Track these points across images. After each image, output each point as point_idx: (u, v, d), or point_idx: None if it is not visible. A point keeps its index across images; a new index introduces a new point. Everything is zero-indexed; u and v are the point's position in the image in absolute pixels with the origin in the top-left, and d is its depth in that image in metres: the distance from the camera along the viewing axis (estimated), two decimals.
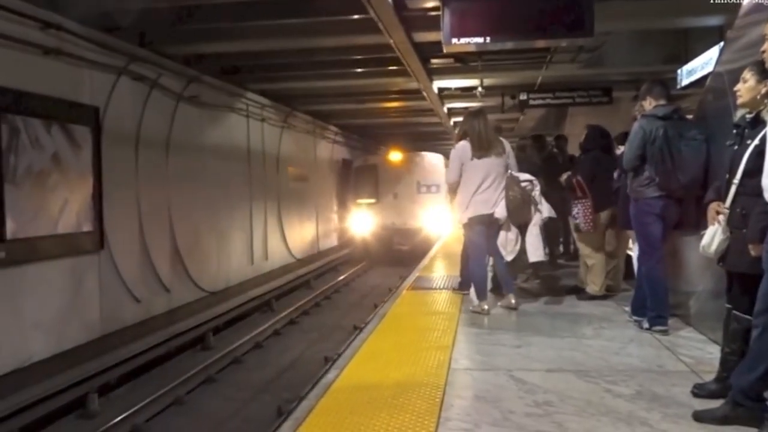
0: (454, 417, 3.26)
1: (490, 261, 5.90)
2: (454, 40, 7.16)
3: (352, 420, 3.25)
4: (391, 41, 9.19)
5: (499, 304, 5.88)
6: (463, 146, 5.67)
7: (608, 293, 6.30)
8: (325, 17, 9.12)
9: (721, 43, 10.04)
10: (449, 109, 17.79)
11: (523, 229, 5.77)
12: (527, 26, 7.06)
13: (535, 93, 14.07)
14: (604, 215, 6.09)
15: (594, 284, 6.20)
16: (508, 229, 5.69)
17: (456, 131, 5.93)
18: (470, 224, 5.71)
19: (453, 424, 3.17)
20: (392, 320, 5.57)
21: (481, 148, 5.59)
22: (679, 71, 11.12)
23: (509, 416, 3.25)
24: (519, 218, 5.66)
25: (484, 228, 5.68)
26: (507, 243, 5.69)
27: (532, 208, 5.74)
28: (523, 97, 13.97)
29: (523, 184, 5.69)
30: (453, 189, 5.83)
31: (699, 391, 3.48)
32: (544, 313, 5.76)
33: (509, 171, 5.76)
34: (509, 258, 5.78)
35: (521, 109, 15.45)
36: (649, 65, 12.18)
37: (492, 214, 5.62)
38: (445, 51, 7.58)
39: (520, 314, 5.74)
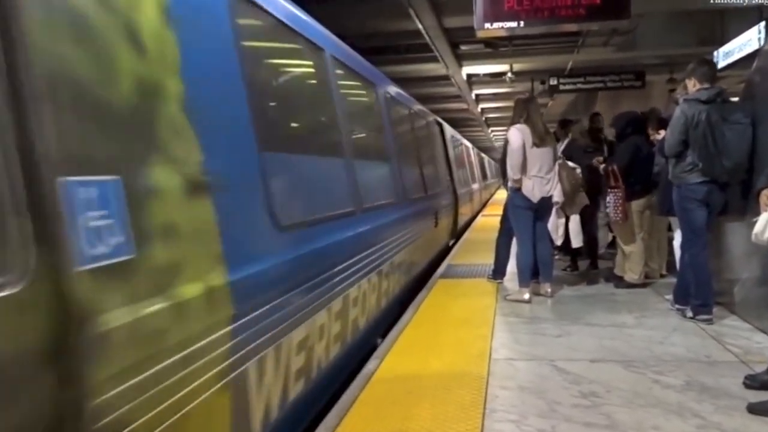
0: (499, 408, 3.22)
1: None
2: (487, 25, 7.08)
3: (395, 411, 3.22)
4: (421, 26, 9.13)
5: (533, 292, 5.81)
6: (524, 129, 5.56)
7: (647, 280, 6.18)
8: (351, 4, 9.08)
9: (762, 23, 9.81)
10: (477, 96, 17.65)
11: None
12: (562, 9, 6.94)
13: (566, 78, 13.91)
14: (636, 204, 5.98)
15: (632, 272, 6.08)
16: (559, 215, 5.68)
17: (512, 116, 5.80)
18: (521, 209, 5.65)
19: (499, 415, 3.13)
20: (428, 310, 5.52)
21: (539, 138, 5.55)
22: (715, 53, 10.89)
23: (556, 407, 3.20)
24: (572, 204, 5.68)
25: (533, 214, 5.64)
26: (558, 227, 5.67)
27: (581, 195, 5.77)
28: (553, 82, 13.82)
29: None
30: (519, 160, 5.48)
31: (751, 382, 3.39)
32: (582, 301, 5.67)
33: (560, 159, 5.75)
34: (559, 242, 5.87)
35: (551, 94, 15.28)
36: (683, 47, 11.92)
37: (550, 198, 5.59)
38: (478, 36, 7.47)
39: (557, 303, 5.67)
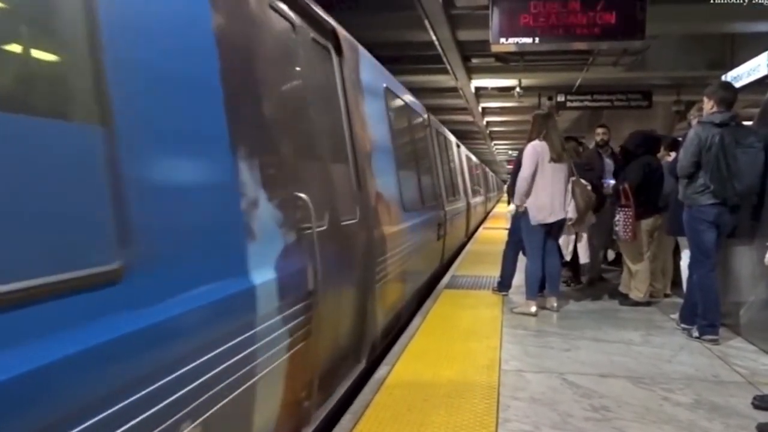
0: (512, 418, 3.26)
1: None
2: (503, 40, 7.15)
3: (410, 416, 3.26)
4: (435, 38, 9.21)
5: (540, 306, 5.86)
6: (543, 146, 5.58)
7: (651, 299, 6.24)
8: (370, 13, 9.16)
9: None
10: (483, 108, 17.74)
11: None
12: (577, 27, 7.02)
13: (573, 95, 14.00)
14: (645, 223, 6.03)
15: (638, 291, 6.13)
16: (569, 231, 5.72)
17: (531, 131, 5.80)
18: (534, 225, 5.66)
19: (513, 425, 3.17)
20: (436, 319, 5.56)
21: (557, 154, 5.58)
22: (723, 77, 10.96)
23: (568, 420, 3.24)
24: (581, 223, 5.73)
25: (545, 229, 5.68)
26: (568, 243, 5.71)
27: (590, 213, 5.86)
28: (560, 98, 13.90)
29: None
30: (525, 188, 5.58)
31: (760, 403, 3.44)
32: (588, 317, 5.72)
33: (575, 176, 5.78)
34: (568, 258, 5.93)
35: (557, 110, 15.37)
36: (692, 70, 12.02)
37: (563, 218, 5.63)
38: (492, 50, 7.55)
39: (563, 317, 5.71)
